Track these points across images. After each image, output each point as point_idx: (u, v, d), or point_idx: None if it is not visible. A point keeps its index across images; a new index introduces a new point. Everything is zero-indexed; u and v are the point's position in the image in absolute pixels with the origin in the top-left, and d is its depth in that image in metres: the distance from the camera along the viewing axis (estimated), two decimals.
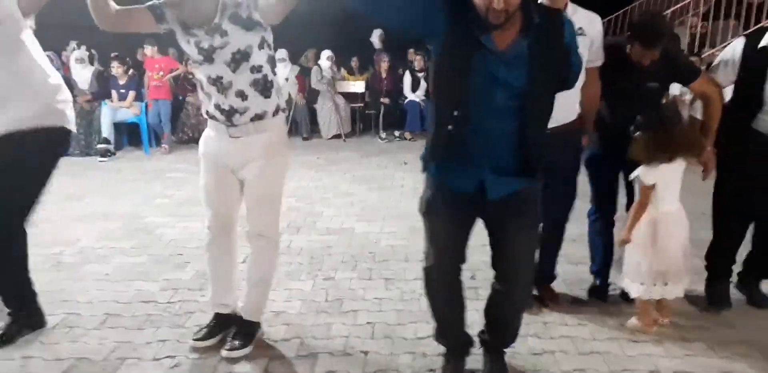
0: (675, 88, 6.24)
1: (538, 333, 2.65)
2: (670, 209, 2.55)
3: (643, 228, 2.54)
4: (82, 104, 7.48)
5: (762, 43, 2.58)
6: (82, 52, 8.02)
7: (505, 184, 1.95)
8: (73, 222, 4.43)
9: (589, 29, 2.60)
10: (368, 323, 2.76)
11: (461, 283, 2.20)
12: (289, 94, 8.40)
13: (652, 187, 2.50)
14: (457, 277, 2.18)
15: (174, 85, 8.18)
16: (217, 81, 2.27)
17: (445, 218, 2.07)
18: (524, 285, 2.19)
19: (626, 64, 2.63)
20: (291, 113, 8.33)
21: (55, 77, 2.55)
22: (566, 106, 2.53)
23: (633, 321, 2.67)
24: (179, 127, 8.16)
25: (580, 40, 2.28)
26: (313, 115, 8.84)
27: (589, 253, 3.07)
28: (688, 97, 2.89)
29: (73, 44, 8.74)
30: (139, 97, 7.67)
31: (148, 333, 2.67)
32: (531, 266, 2.17)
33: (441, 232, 2.10)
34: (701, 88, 2.70)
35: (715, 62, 2.87)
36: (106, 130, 7.28)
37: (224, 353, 2.44)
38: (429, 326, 2.69)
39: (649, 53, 2.54)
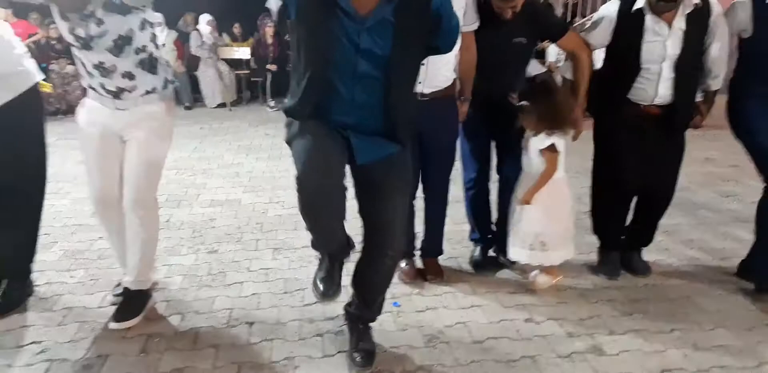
0: (552, 55, 6.52)
1: (422, 292, 2.71)
2: (560, 176, 2.59)
3: (539, 195, 2.57)
4: None
5: (636, 5, 2.53)
6: None
7: (373, 150, 1.89)
8: None
9: None
10: (254, 294, 2.70)
11: (341, 192, 1.84)
12: (167, 62, 7.90)
13: (558, 153, 2.52)
14: (338, 188, 1.83)
15: (36, 51, 7.44)
16: (99, 66, 2.21)
17: (322, 136, 1.83)
18: (393, 253, 2.06)
19: (492, 20, 2.56)
20: None
21: (19, 46, 2.50)
22: (443, 72, 2.54)
23: (541, 278, 2.71)
24: (44, 97, 7.46)
25: (455, 2, 2.18)
26: (195, 83, 8.40)
27: (469, 222, 3.07)
28: (561, 64, 2.84)
29: None
30: None
31: (11, 320, 2.45)
32: (402, 234, 2.09)
33: (311, 148, 1.80)
34: (570, 44, 2.66)
35: (589, 22, 2.80)
36: None
37: (112, 324, 2.37)
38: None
39: (508, 4, 2.47)
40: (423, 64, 2.17)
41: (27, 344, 2.27)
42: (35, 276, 2.81)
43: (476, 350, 2.24)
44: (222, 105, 8.30)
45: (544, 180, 2.56)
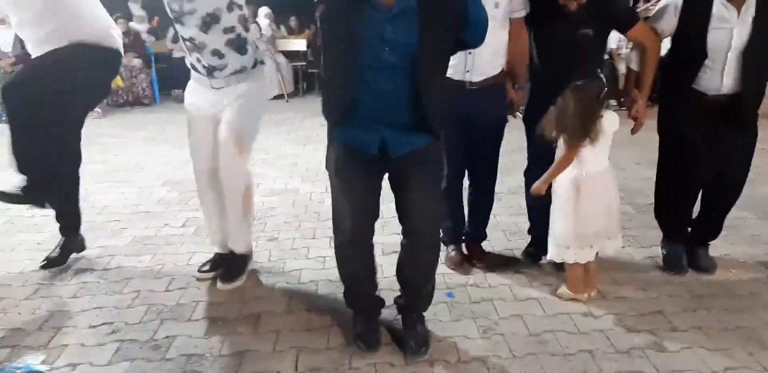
0: (612, 41, 6.32)
1: (477, 283, 2.71)
2: (596, 170, 2.39)
3: (565, 189, 2.41)
4: (5, 68, 7.03)
5: None
6: (2, 12, 7.47)
7: (406, 142, 1.95)
8: None
9: None
10: (311, 281, 2.76)
11: (373, 245, 2.18)
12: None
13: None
14: (371, 237, 2.15)
15: None
16: (190, 41, 2.40)
17: (354, 179, 2.03)
18: (430, 240, 2.12)
19: (556, 11, 2.46)
20: None
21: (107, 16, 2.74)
22: (492, 60, 2.54)
23: (563, 290, 2.57)
24: (113, 90, 7.81)
25: None
26: None
27: (527, 212, 3.00)
28: (625, 50, 2.71)
29: None
30: None
31: (83, 301, 2.61)
32: (436, 222, 2.18)
33: (353, 191, 2.04)
34: (639, 36, 2.55)
35: (657, 8, 2.70)
36: None
37: (219, 285, 2.66)
38: None
39: None
40: (470, 53, 2.39)
41: (99, 325, 2.40)
42: (107, 260, 2.98)
43: (532, 343, 2.23)
44: (279, 96, 8.45)
45: (554, 169, 2.40)
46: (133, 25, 8.15)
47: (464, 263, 2.87)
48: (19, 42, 7.22)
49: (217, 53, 2.40)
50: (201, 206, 2.78)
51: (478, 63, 2.50)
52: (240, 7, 2.40)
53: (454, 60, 2.19)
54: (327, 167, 2.09)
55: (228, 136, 2.47)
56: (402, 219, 2.11)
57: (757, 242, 3.13)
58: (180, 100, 2.92)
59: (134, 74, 7.92)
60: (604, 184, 2.44)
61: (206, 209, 2.75)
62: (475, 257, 2.91)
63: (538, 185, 2.45)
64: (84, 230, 3.44)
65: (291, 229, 3.43)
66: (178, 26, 2.42)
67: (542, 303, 2.52)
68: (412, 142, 1.96)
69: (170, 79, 8.05)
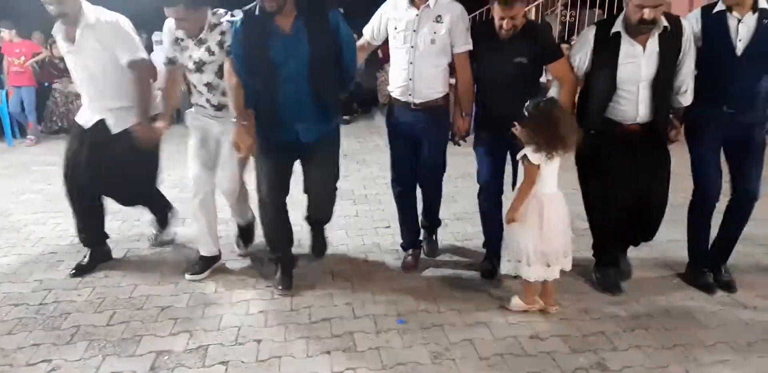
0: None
1: (428, 308, 2.74)
2: (551, 191, 2.58)
3: (530, 209, 2.55)
4: None
5: (614, 29, 2.66)
6: None
7: (313, 131, 2.77)
8: None
9: (446, 16, 2.81)
10: (260, 311, 2.73)
11: (286, 210, 2.97)
12: None
13: (538, 166, 2.51)
14: (284, 205, 2.94)
15: (38, 70, 7.53)
16: (208, 85, 2.92)
17: (273, 161, 2.83)
18: (328, 199, 3.13)
19: (493, 43, 2.79)
20: None
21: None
22: (430, 86, 2.91)
23: (515, 300, 2.70)
24: (47, 116, 7.56)
25: (435, 27, 2.81)
26: None
27: (483, 231, 3.16)
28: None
29: None
30: None
31: (19, 337, 2.48)
32: (332, 185, 3.05)
33: (271, 172, 2.83)
34: (560, 71, 2.82)
35: (574, 46, 2.98)
36: None
37: (240, 251, 3.42)
38: (323, 310, 2.73)
39: (508, 12, 2.66)
40: (411, 79, 2.90)
41: (37, 363, 2.29)
42: (43, 294, 2.86)
43: (482, 367, 2.27)
44: None
45: (521, 194, 2.55)
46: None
47: (415, 269, 3.15)
48: None
49: (224, 93, 2.86)
50: (196, 219, 3.12)
51: (417, 87, 2.91)
52: None
53: (399, 84, 2.94)
54: (256, 157, 2.84)
55: (230, 162, 2.97)
56: (306, 187, 3.02)
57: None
58: None
59: (70, 100, 7.68)
60: (559, 203, 2.61)
61: (202, 222, 3.11)
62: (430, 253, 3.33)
63: (511, 213, 2.56)
64: (17, 262, 3.31)
65: (238, 258, 3.38)
66: (196, 75, 2.90)
67: (491, 327, 2.57)
68: (317, 132, 2.79)
69: None
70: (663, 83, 2.70)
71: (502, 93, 2.82)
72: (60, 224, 3.94)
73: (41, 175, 5.40)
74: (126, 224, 3.96)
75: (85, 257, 3.22)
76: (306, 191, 3.04)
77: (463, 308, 2.75)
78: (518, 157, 2.59)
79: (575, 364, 2.28)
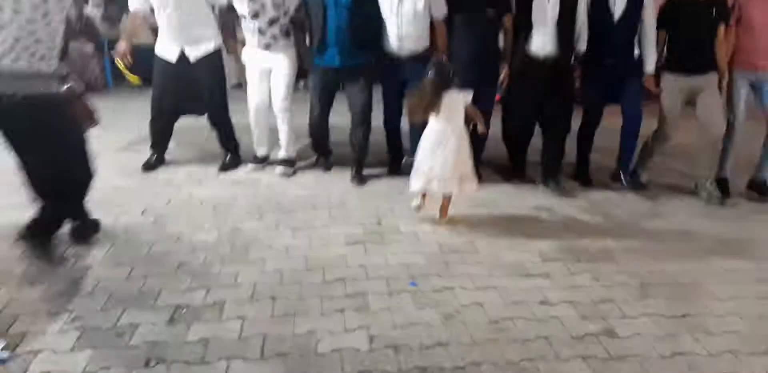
0: None
1: (440, 272, 2.78)
2: (448, 127, 3.25)
3: (431, 138, 3.28)
4: None
5: None
6: None
7: (349, 59, 3.91)
8: None
9: None
10: (275, 269, 2.78)
11: (328, 120, 4.25)
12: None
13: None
14: (326, 120, 4.25)
15: None
16: (260, 30, 4.04)
17: (321, 85, 4.08)
18: (362, 118, 4.08)
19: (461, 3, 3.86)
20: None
21: None
22: (416, 42, 3.95)
23: (416, 201, 3.44)
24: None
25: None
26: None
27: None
28: None
29: None
30: None
31: (42, 288, 2.55)
32: (366, 105, 4.05)
33: (319, 93, 4.10)
34: (507, 20, 3.93)
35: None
36: None
37: (279, 169, 4.32)
38: (337, 270, 2.77)
39: None
40: (400, 39, 3.93)
41: (60, 312, 2.37)
42: (63, 248, 2.93)
43: (492, 330, 2.31)
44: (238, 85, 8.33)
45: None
46: (88, 9, 7.90)
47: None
48: None
49: (273, 36, 4.05)
50: (254, 126, 4.34)
51: (406, 44, 3.95)
52: (287, 12, 4.05)
53: (392, 40, 3.95)
54: (310, 81, 4.25)
55: (282, 82, 4.14)
56: (350, 107, 4.10)
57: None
58: None
59: (85, 61, 7.67)
60: (455, 137, 3.26)
61: (258, 130, 4.37)
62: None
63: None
64: None
65: (253, 219, 3.43)
66: (249, 22, 4.03)
67: (501, 292, 2.60)
68: (353, 60, 3.92)
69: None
70: (566, 25, 3.75)
71: (466, 44, 3.90)
72: None
73: None
74: (143, 181, 4.02)
75: (153, 155, 4.34)
76: (350, 108, 4.12)
77: (474, 272, 2.78)
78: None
79: (584, 330, 2.31)
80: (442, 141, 3.26)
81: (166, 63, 4.09)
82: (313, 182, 4.14)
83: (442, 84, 3.20)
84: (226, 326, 2.29)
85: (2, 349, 2.08)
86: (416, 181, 3.32)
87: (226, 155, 4.45)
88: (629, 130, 4.04)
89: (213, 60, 4.15)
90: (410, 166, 3.46)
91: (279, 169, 4.30)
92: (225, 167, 4.38)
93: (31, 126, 2.46)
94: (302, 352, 2.14)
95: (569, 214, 3.61)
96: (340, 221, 3.40)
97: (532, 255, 2.98)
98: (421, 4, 3.84)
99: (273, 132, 4.36)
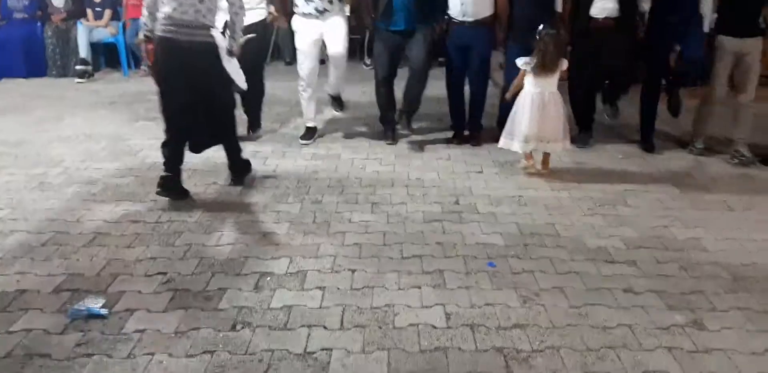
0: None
1: (518, 254, 2.75)
2: (547, 90, 3.64)
3: (527, 101, 3.65)
4: (56, 23, 7.15)
5: None
6: None
7: (412, 23, 4.14)
8: (54, 143, 4.37)
9: None
10: (355, 243, 2.84)
11: (392, 86, 4.45)
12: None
13: (524, 72, 3.69)
14: (391, 82, 4.43)
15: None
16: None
17: (386, 49, 4.28)
18: (420, 73, 4.30)
19: None
20: (274, 37, 8.03)
21: None
22: (480, 10, 4.15)
23: (523, 162, 3.87)
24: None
25: None
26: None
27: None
28: None
29: None
30: (116, 16, 7.31)
31: (138, 251, 2.72)
32: (426, 61, 4.27)
33: (384, 58, 4.31)
34: None
35: None
36: (83, 51, 6.98)
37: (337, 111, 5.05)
38: (414, 247, 2.79)
39: None
40: (463, 4, 4.10)
41: (154, 274, 2.52)
42: (158, 214, 3.09)
43: (572, 315, 2.27)
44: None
45: (514, 88, 3.82)
46: None
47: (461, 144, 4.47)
48: None
49: (326, 3, 4.16)
50: (304, 98, 4.47)
51: (470, 10, 4.14)
52: None
53: (455, 7, 4.16)
54: (374, 44, 4.48)
55: (339, 35, 4.30)
56: (409, 62, 4.33)
57: None
58: None
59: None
60: (552, 101, 3.66)
61: (306, 101, 4.49)
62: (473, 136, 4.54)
63: (506, 95, 3.98)
64: (134, 183, 3.57)
65: (334, 193, 3.49)
66: None
67: (583, 277, 2.55)
68: (416, 25, 4.14)
69: None
70: None
71: (528, 16, 3.97)
72: None
73: (155, 104, 5.69)
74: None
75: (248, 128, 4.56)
76: (409, 64, 4.37)
77: (554, 256, 2.73)
78: (518, 62, 3.73)
79: (670, 320, 2.23)
80: (542, 103, 3.61)
81: None
82: (391, 159, 4.16)
83: (562, 42, 3.67)
84: (307, 295, 2.38)
85: (102, 306, 2.25)
86: (519, 143, 3.70)
87: (248, 128, 4.57)
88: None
89: (258, 29, 4.20)
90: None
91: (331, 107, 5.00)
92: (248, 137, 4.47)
93: (203, 65, 3.18)
94: (380, 324, 2.19)
95: (654, 198, 3.47)
96: (418, 199, 3.42)
97: (616, 241, 2.89)
98: None
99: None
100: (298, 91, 4.47)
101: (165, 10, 3.09)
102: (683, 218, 3.18)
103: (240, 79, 3.47)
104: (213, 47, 3.21)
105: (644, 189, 3.61)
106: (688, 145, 4.39)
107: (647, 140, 4.42)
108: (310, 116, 4.56)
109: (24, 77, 7.01)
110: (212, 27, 3.20)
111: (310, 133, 4.55)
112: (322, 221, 3.09)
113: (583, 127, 4.50)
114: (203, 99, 3.24)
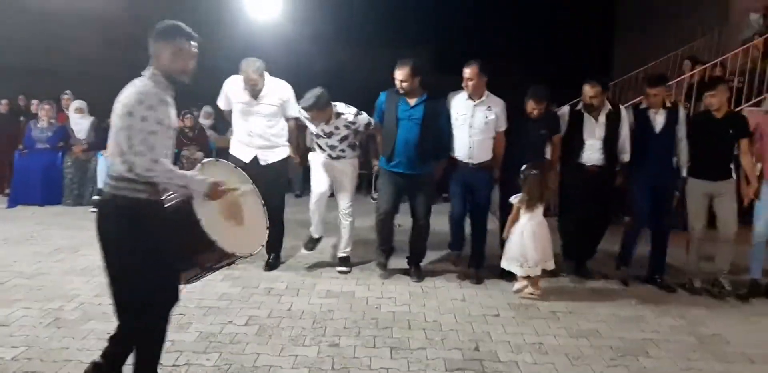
0: None
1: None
2: (533, 220, 4.30)
3: (516, 229, 4.31)
4: (77, 154, 7.51)
5: (577, 108, 4.77)
6: (81, 102, 8.00)
7: (414, 169, 4.47)
8: (70, 275, 4.38)
9: (494, 108, 4.56)
10: None
11: (393, 220, 4.77)
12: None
13: (519, 207, 4.36)
14: (393, 216, 4.72)
15: None
16: (332, 146, 4.66)
17: (389, 187, 4.58)
18: (424, 223, 4.66)
19: (522, 120, 4.63)
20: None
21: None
22: (484, 153, 4.61)
23: (516, 285, 4.36)
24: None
25: (487, 114, 4.55)
26: (306, 172, 8.90)
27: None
28: None
29: (67, 93, 8.71)
30: None
31: None
32: (427, 212, 4.63)
33: (387, 194, 4.59)
34: (556, 139, 4.78)
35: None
36: (102, 181, 7.27)
37: (340, 269, 4.86)
38: None
39: (537, 106, 4.55)
40: (470, 148, 4.56)
41: None
42: (175, 356, 3.03)
43: None
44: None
45: (510, 222, 4.44)
46: (200, 120, 8.70)
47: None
48: (93, 130, 7.75)
49: (342, 150, 4.66)
50: (313, 214, 4.88)
51: (476, 154, 4.58)
52: (356, 134, 4.67)
53: (462, 151, 4.59)
54: (379, 182, 4.79)
55: (345, 188, 4.79)
56: (412, 213, 4.66)
57: None
58: None
59: (195, 166, 8.30)
60: (538, 227, 4.31)
61: (316, 217, 4.88)
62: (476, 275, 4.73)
63: (504, 232, 4.51)
64: None
65: (351, 335, 3.45)
66: (322, 139, 4.63)
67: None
68: (417, 170, 4.47)
69: None
70: (610, 142, 4.65)
71: (523, 155, 4.55)
72: (188, 287, 4.19)
73: None
74: (245, 290, 4.18)
75: (269, 257, 4.80)
76: (412, 214, 4.68)
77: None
78: (511, 200, 4.40)
79: None
80: (534, 232, 4.24)
81: (238, 162, 4.37)
82: (406, 298, 4.17)
83: (544, 182, 4.34)
84: None
85: None
86: (516, 268, 4.28)
87: (269, 256, 4.82)
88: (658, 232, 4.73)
89: (282, 166, 4.74)
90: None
91: (339, 268, 4.83)
92: (271, 267, 4.76)
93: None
94: None
95: (675, 350, 3.44)
96: (437, 344, 3.38)
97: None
98: (492, 117, 4.53)
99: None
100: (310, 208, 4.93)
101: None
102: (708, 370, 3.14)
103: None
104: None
105: (664, 338, 3.59)
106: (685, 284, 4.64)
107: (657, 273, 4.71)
108: (316, 229, 4.94)
109: (40, 204, 7.20)
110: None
111: (314, 242, 5.03)
112: (341, 367, 3.03)
113: (576, 259, 4.90)
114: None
